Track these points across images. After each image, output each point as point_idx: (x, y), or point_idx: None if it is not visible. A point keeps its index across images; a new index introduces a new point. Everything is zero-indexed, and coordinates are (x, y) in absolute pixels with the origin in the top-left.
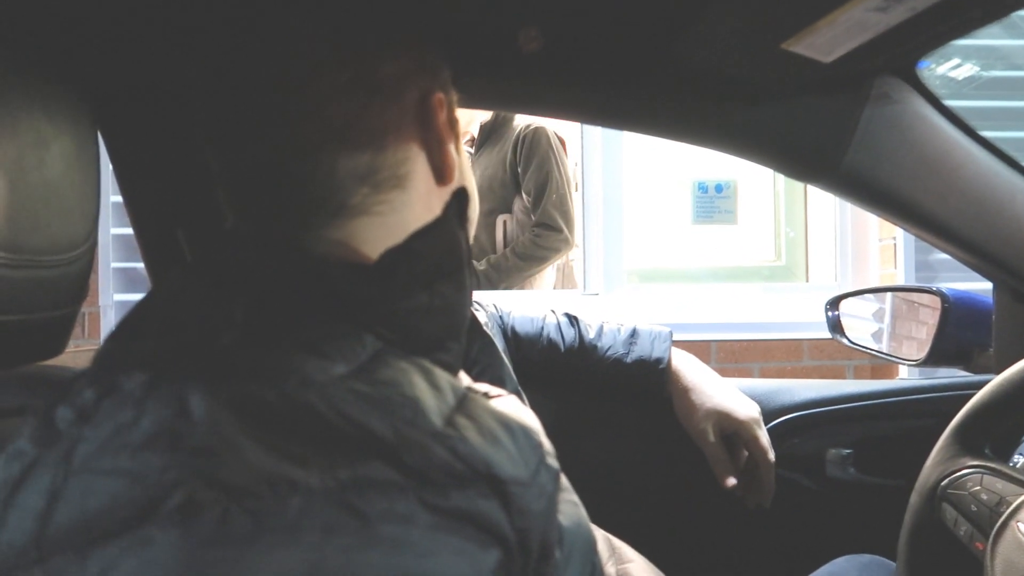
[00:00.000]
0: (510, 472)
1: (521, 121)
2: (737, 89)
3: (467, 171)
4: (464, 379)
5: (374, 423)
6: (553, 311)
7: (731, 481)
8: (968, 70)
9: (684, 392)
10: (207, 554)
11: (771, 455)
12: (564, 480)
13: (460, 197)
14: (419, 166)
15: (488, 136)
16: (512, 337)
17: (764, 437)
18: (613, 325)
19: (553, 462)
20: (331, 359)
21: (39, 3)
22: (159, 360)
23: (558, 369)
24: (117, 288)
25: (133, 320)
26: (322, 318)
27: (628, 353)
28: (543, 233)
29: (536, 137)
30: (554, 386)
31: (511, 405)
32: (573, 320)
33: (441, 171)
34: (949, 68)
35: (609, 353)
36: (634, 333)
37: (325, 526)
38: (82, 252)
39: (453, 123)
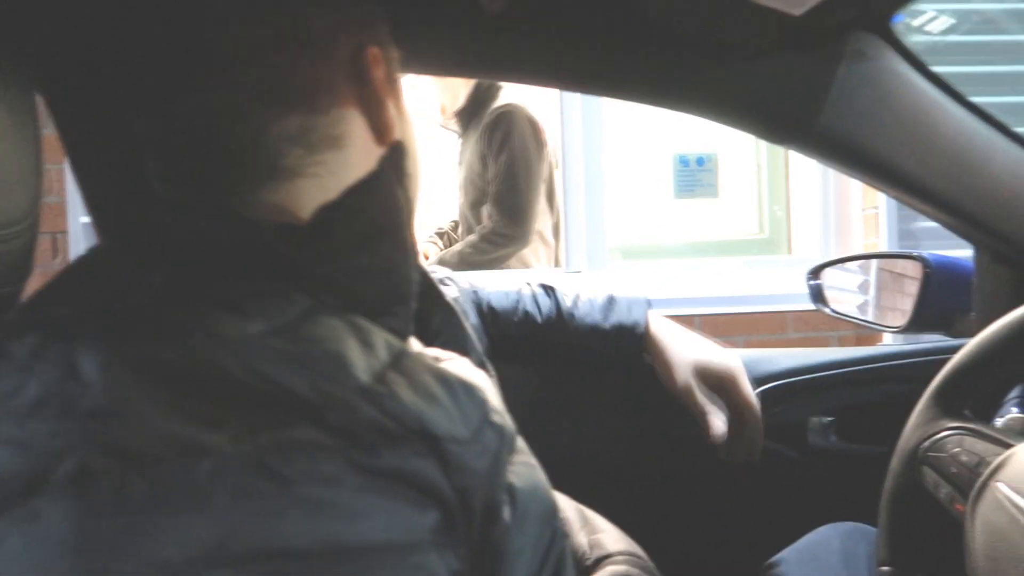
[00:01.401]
0: (446, 429)
1: (497, 104)
2: (707, 47)
3: (408, 128)
4: (414, 344)
5: (290, 380)
6: (528, 283)
7: (718, 428)
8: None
9: (662, 352)
10: (101, 525)
11: (756, 405)
12: (521, 442)
13: (396, 152)
14: (355, 126)
15: (468, 122)
16: (488, 312)
17: (746, 386)
18: (590, 293)
19: (500, 420)
20: (249, 317)
21: None
22: (53, 323)
23: (537, 341)
24: None
25: (45, 288)
26: (247, 278)
27: (606, 319)
28: (486, 228)
29: (498, 120)
30: (533, 362)
31: (459, 365)
32: (549, 290)
33: (380, 130)
34: (925, 22)
35: (587, 320)
36: (611, 300)
37: (238, 490)
38: (24, 228)
39: (392, 79)
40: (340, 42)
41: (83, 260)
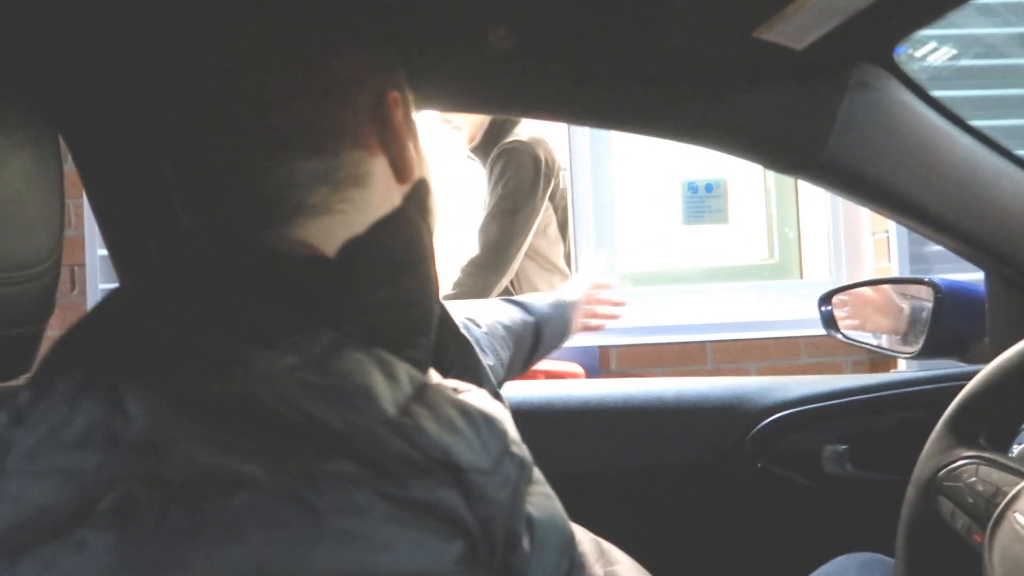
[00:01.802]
0: (469, 460)
1: (508, 139)
2: (712, 81)
3: (426, 166)
4: (433, 375)
5: (322, 413)
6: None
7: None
8: (945, 55)
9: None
10: (144, 554)
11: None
12: (537, 473)
13: (419, 188)
14: (378, 166)
15: (484, 157)
16: (507, 335)
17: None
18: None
19: (519, 451)
20: (280, 351)
21: None
22: (97, 358)
23: (522, 355)
24: None
25: (82, 324)
26: (275, 312)
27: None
28: (466, 259)
29: (499, 155)
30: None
31: (478, 397)
32: (514, 301)
33: (401, 169)
34: (927, 54)
35: (538, 308)
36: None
37: (271, 521)
38: (46, 268)
39: (410, 121)
40: (362, 88)
41: (113, 297)
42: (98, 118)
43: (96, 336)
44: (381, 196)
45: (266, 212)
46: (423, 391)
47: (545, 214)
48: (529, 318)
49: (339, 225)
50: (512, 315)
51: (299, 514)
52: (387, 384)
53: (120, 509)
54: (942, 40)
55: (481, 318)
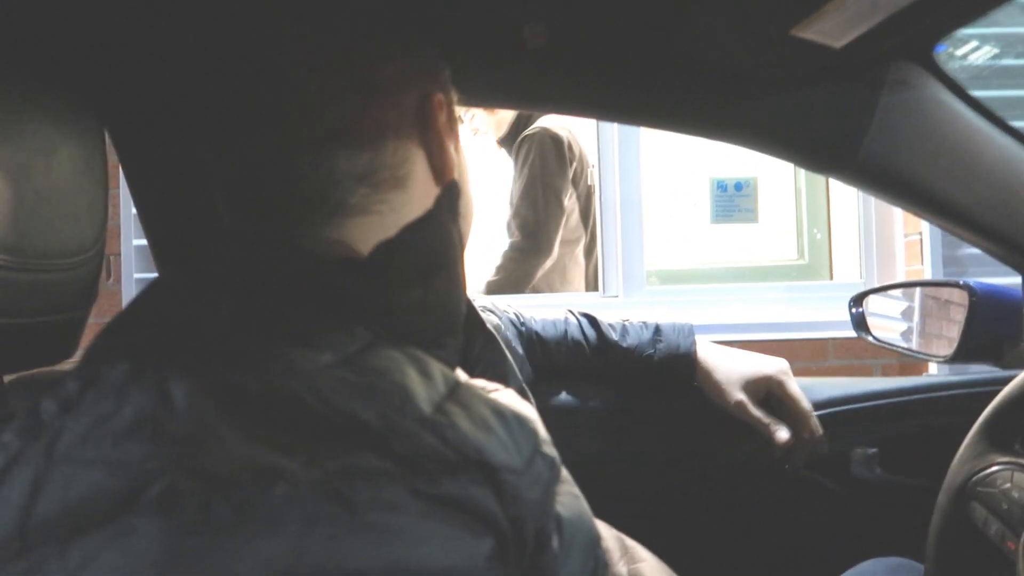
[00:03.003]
0: (502, 459)
1: (529, 129)
2: (748, 79)
3: (464, 168)
4: (461, 374)
5: (360, 410)
6: (572, 312)
7: (782, 435)
8: (986, 53)
9: (710, 374)
10: (188, 543)
11: (804, 403)
12: (565, 472)
13: (450, 191)
14: (418, 167)
15: (510, 148)
16: (537, 341)
17: (794, 386)
18: (636, 323)
19: (550, 451)
20: (318, 349)
21: (42, 12)
22: (142, 350)
23: (585, 369)
24: None
25: (124, 315)
26: (312, 311)
27: (655, 348)
28: (505, 245)
29: (521, 143)
30: (580, 389)
31: (507, 396)
32: (592, 321)
33: (440, 171)
34: (967, 52)
35: (637, 351)
36: (658, 330)
37: (310, 515)
38: (90, 256)
39: (452, 123)
40: (408, 89)
41: (153, 289)
42: (143, 112)
43: (139, 329)
44: (418, 198)
45: (307, 210)
46: (456, 389)
47: (568, 202)
48: (591, 333)
49: (375, 226)
50: (581, 329)
51: (336, 508)
52: (422, 382)
53: (165, 499)
54: (983, 39)
55: (529, 314)
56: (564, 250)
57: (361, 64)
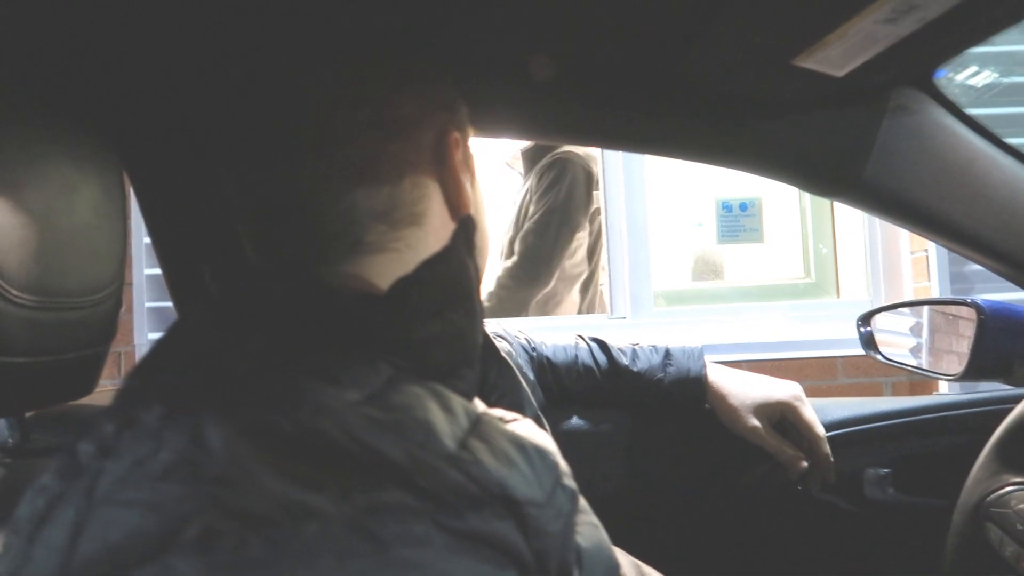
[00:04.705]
0: (525, 493)
1: (561, 148)
2: (751, 107)
3: (480, 203)
4: (479, 405)
5: (387, 448)
6: (581, 337)
7: (802, 465)
8: (987, 77)
9: (723, 399)
10: None
11: (819, 428)
12: (583, 502)
13: (466, 226)
14: (434, 203)
15: (532, 163)
16: (548, 366)
17: (807, 411)
18: (646, 347)
19: (570, 483)
20: (344, 386)
21: (63, 55)
22: (175, 392)
23: (596, 394)
24: (151, 327)
25: (153, 356)
26: (336, 347)
27: (665, 372)
28: (502, 269)
29: (553, 164)
30: (591, 414)
31: (526, 428)
32: (603, 345)
33: (456, 207)
34: (968, 76)
35: (647, 375)
36: (668, 354)
37: (341, 551)
38: (110, 293)
39: (468, 159)
40: (425, 127)
41: (179, 328)
42: (163, 150)
43: (169, 370)
44: (434, 234)
45: (326, 247)
46: (478, 424)
47: (580, 234)
48: (603, 358)
49: (392, 262)
50: (593, 357)
51: (365, 544)
52: (445, 418)
53: (203, 538)
54: (983, 61)
55: (539, 339)
56: (564, 285)
57: (380, 102)
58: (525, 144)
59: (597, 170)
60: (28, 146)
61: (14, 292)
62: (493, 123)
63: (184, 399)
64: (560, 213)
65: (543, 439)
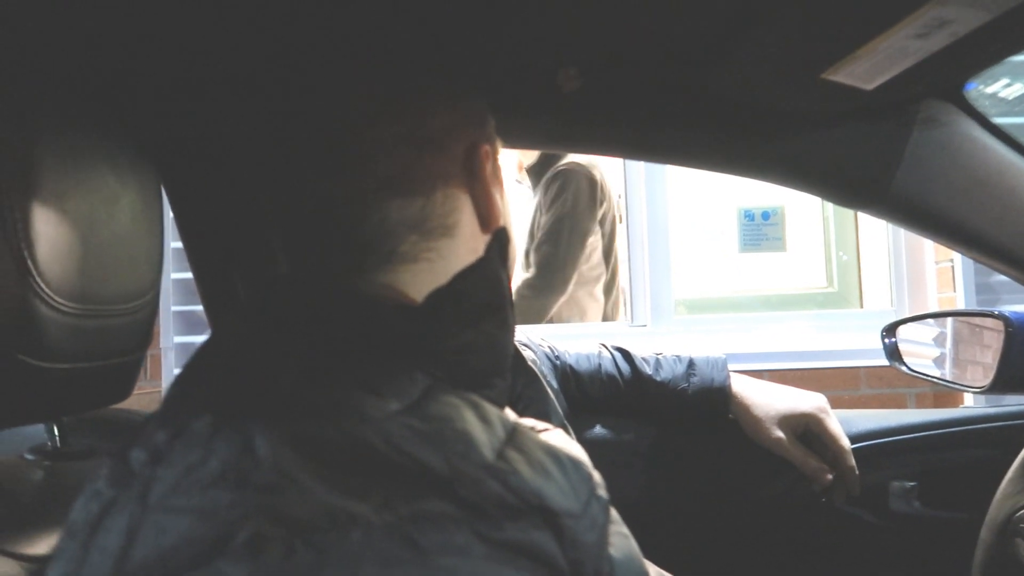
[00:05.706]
0: (562, 504)
1: (563, 161)
2: (779, 119)
3: (509, 215)
4: (510, 414)
5: (429, 458)
6: (605, 346)
7: (827, 477)
8: (1018, 89)
9: (747, 410)
10: None
11: (844, 440)
12: (614, 512)
13: (500, 237)
14: (466, 215)
15: (538, 177)
16: (571, 375)
17: (833, 423)
18: (669, 356)
19: (603, 493)
20: (385, 397)
21: (106, 66)
22: (224, 402)
23: (620, 403)
24: (177, 331)
25: (197, 364)
26: (374, 357)
27: (689, 383)
28: (521, 279)
29: (556, 176)
30: (615, 423)
31: (559, 438)
32: (626, 355)
33: (486, 219)
34: (999, 88)
35: (671, 384)
36: (691, 363)
37: (384, 558)
38: (147, 300)
39: (497, 172)
40: (457, 140)
41: (219, 337)
42: (199, 162)
43: (215, 379)
44: (465, 245)
45: (361, 258)
46: (514, 434)
47: (592, 238)
48: (626, 366)
49: (424, 272)
50: (616, 366)
51: (408, 552)
52: (483, 428)
53: (252, 545)
54: (1014, 71)
55: (563, 348)
56: (583, 288)
57: (414, 116)
58: (530, 160)
59: (600, 177)
60: (72, 156)
61: (59, 300)
62: (520, 133)
63: (232, 409)
64: (569, 220)
65: (576, 449)
